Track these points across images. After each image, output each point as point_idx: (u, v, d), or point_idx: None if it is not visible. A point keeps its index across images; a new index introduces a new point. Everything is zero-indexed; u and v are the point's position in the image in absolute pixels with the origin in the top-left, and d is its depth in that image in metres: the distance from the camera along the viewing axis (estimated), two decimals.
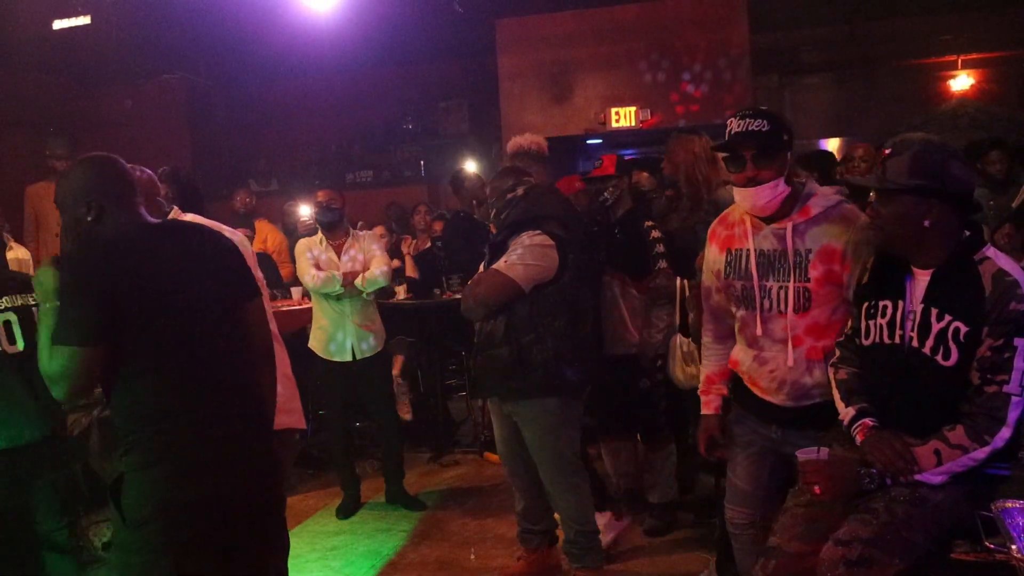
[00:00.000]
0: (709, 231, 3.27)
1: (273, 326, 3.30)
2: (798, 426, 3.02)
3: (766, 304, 3.01)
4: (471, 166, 9.30)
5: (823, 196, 2.98)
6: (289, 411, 3.15)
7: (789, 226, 2.95)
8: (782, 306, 2.97)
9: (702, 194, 4.59)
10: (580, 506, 4.15)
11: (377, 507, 5.63)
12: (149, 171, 3.16)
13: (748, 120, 2.89)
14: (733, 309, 3.18)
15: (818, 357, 2.96)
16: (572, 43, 9.43)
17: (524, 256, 3.92)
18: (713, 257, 3.22)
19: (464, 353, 6.48)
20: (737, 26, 9.03)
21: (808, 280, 2.91)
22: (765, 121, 2.89)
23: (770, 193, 2.92)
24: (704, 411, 3.36)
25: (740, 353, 3.18)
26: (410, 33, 9.16)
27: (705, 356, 3.40)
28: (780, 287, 2.97)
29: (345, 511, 5.53)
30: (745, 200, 2.99)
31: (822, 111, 10.96)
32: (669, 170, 4.83)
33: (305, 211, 7.62)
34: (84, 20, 7.88)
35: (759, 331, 3.03)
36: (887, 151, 2.66)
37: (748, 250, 3.05)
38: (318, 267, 5.41)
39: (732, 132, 2.94)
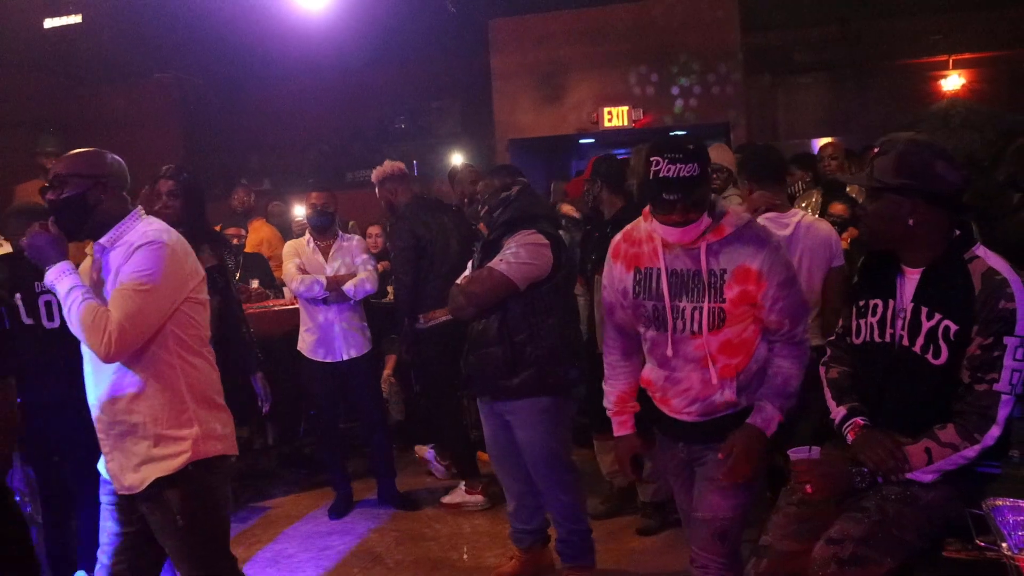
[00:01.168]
0: (612, 247, 3.11)
1: (202, 332, 3.02)
2: (702, 439, 2.99)
3: (679, 325, 2.91)
4: (468, 161, 9.27)
5: (735, 215, 2.88)
6: (220, 437, 2.97)
7: (703, 246, 2.84)
8: (695, 326, 2.88)
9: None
10: (572, 505, 4.15)
11: (369, 507, 5.62)
12: (120, 159, 3.04)
13: (679, 165, 2.67)
14: (642, 329, 3.06)
15: (730, 375, 2.91)
16: (565, 43, 9.43)
17: (520, 254, 3.92)
18: (619, 275, 3.06)
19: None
20: (729, 26, 9.04)
21: (724, 301, 2.83)
22: (695, 165, 2.69)
23: (696, 229, 2.82)
24: (621, 432, 3.23)
25: (652, 373, 3.08)
26: (403, 33, 9.15)
27: (613, 375, 3.23)
28: (694, 307, 2.87)
29: (337, 511, 5.52)
30: (670, 236, 2.86)
31: (814, 110, 11.01)
32: (631, 179, 4.89)
33: (300, 211, 7.62)
34: (76, 19, 7.86)
35: (670, 352, 2.94)
36: (876, 150, 2.69)
37: (659, 270, 2.93)
38: (304, 271, 5.40)
39: (661, 176, 2.70)
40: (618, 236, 3.11)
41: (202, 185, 4.50)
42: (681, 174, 2.67)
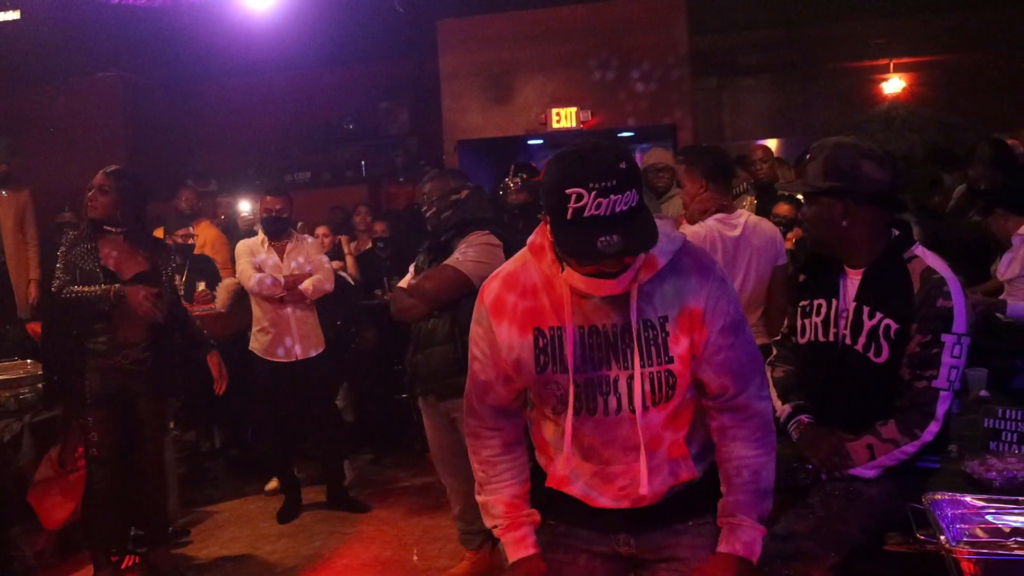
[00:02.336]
0: (489, 300, 2.16)
1: None
2: (659, 522, 2.20)
3: (612, 403, 2.08)
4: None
5: (665, 237, 2.03)
6: None
7: (634, 290, 2.02)
8: (635, 402, 2.06)
9: None
10: None
11: (319, 510, 5.58)
12: None
13: (613, 197, 1.84)
14: (550, 413, 2.16)
15: (683, 453, 2.16)
16: (513, 44, 9.43)
17: (474, 254, 3.98)
18: (508, 341, 2.13)
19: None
20: (676, 28, 9.11)
21: (671, 360, 2.05)
22: (633, 191, 1.88)
23: (631, 275, 2.00)
24: (519, 553, 2.22)
25: (567, 467, 2.19)
26: (351, 33, 9.09)
27: (494, 478, 2.28)
28: (630, 376, 2.06)
29: (286, 515, 5.47)
30: (597, 289, 2.01)
31: (760, 112, 11.15)
32: None
33: (245, 207, 7.54)
34: (14, 15, 7.68)
35: (603, 440, 2.13)
36: (808, 156, 2.75)
37: (571, 329, 2.07)
38: (259, 270, 5.36)
39: (587, 216, 1.85)
40: (494, 285, 2.17)
41: (145, 190, 4.44)
42: (617, 208, 1.85)
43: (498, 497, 2.27)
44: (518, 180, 5.50)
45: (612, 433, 2.11)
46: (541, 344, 2.10)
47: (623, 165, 1.87)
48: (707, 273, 2.08)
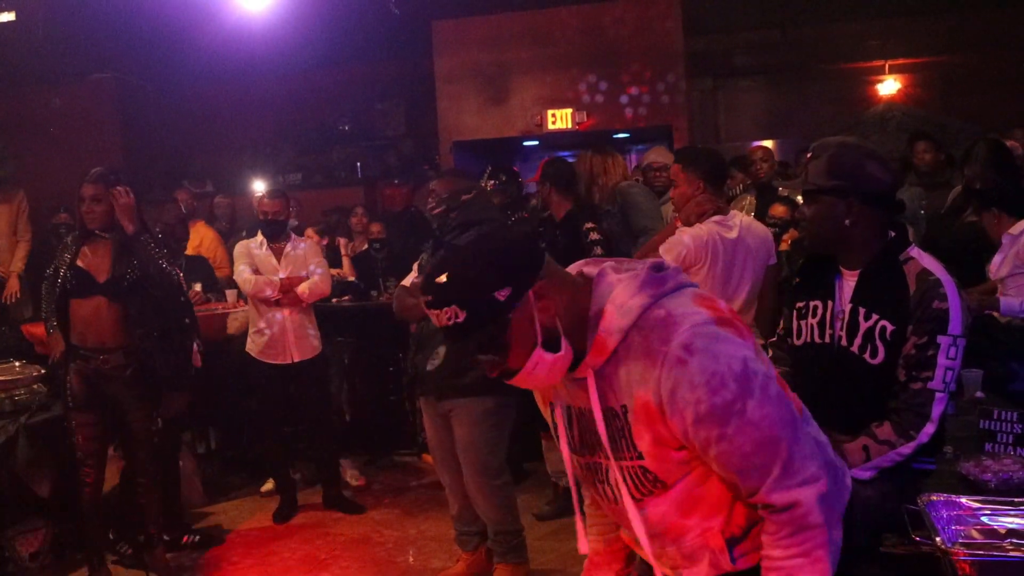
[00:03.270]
0: None
1: None
2: None
3: (608, 492, 1.93)
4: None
5: (617, 309, 1.77)
6: None
7: (589, 374, 1.82)
8: (618, 492, 1.88)
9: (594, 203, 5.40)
10: (500, 507, 4.17)
11: (314, 511, 5.58)
12: None
13: (435, 311, 1.74)
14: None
15: (718, 544, 1.85)
16: (509, 45, 9.43)
17: None
18: (542, 406, 2.12)
19: (401, 355, 6.47)
20: (671, 30, 9.11)
21: (640, 456, 1.80)
22: (454, 307, 1.70)
23: (536, 376, 1.80)
24: None
25: (625, 533, 2.12)
26: (346, 34, 9.09)
27: (591, 517, 2.23)
28: (607, 467, 1.88)
29: (282, 516, 5.47)
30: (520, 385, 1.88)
31: (755, 113, 11.16)
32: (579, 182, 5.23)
33: (260, 187, 7.56)
34: (9, 16, 7.67)
35: (623, 523, 1.99)
36: (809, 155, 2.75)
37: (567, 408, 1.95)
38: (256, 271, 5.36)
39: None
40: None
41: (136, 189, 4.42)
42: (442, 323, 1.74)
43: (588, 541, 2.21)
44: (493, 182, 5.49)
45: (626, 520, 1.91)
46: (554, 419, 2.01)
47: (443, 279, 1.72)
48: (655, 356, 1.72)
